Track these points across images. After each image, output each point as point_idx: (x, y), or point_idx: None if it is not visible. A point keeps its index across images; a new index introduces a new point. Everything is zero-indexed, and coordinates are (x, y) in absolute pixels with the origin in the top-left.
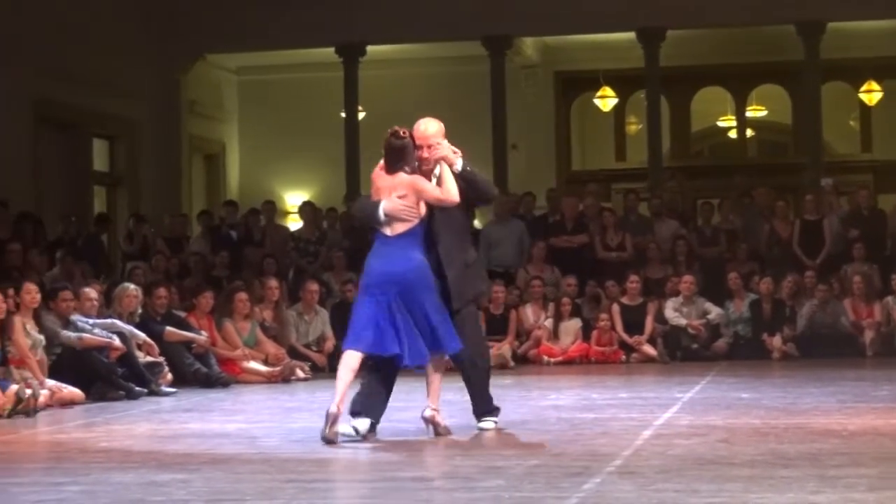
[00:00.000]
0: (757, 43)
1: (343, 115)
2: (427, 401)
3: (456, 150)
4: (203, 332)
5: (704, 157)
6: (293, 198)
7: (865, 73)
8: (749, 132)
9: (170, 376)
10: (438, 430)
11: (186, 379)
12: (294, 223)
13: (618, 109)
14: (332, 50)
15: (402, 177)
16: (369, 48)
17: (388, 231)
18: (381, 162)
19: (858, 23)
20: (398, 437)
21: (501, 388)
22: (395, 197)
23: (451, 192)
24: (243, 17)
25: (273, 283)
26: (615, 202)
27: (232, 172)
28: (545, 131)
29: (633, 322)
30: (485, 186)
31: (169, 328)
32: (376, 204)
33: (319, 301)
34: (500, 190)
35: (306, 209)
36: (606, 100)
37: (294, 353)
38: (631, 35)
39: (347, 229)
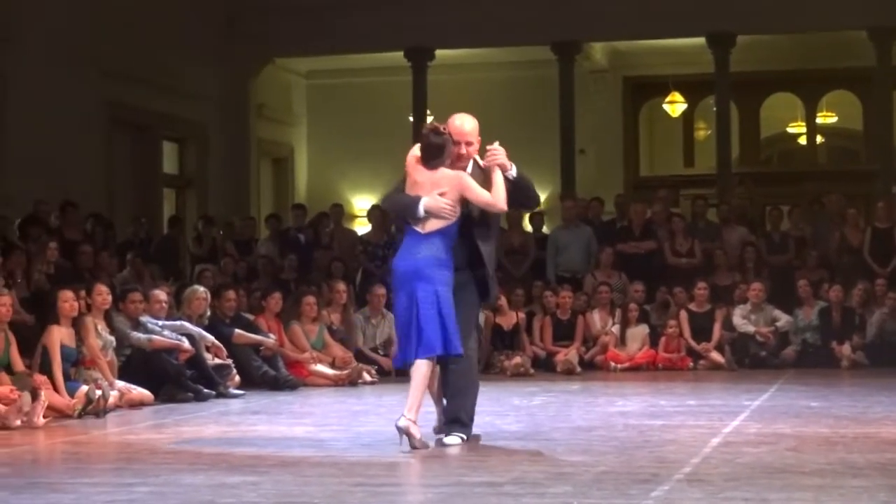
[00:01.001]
0: (827, 49)
1: (411, 119)
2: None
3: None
4: (271, 335)
5: (774, 164)
6: (361, 202)
7: None
8: (819, 138)
9: (238, 378)
10: (413, 443)
11: (254, 381)
12: (362, 227)
13: (686, 115)
14: (400, 54)
15: (445, 172)
16: (438, 52)
17: (419, 228)
18: (414, 153)
19: None
20: (466, 441)
21: (569, 394)
22: (437, 194)
23: (501, 198)
24: (312, 21)
25: (341, 286)
26: (683, 208)
27: (300, 176)
28: (613, 136)
29: (701, 329)
30: (533, 193)
31: (237, 331)
32: (416, 199)
33: (387, 305)
34: (568, 195)
35: (375, 213)
36: (675, 105)
37: (361, 357)
38: (701, 40)
39: None
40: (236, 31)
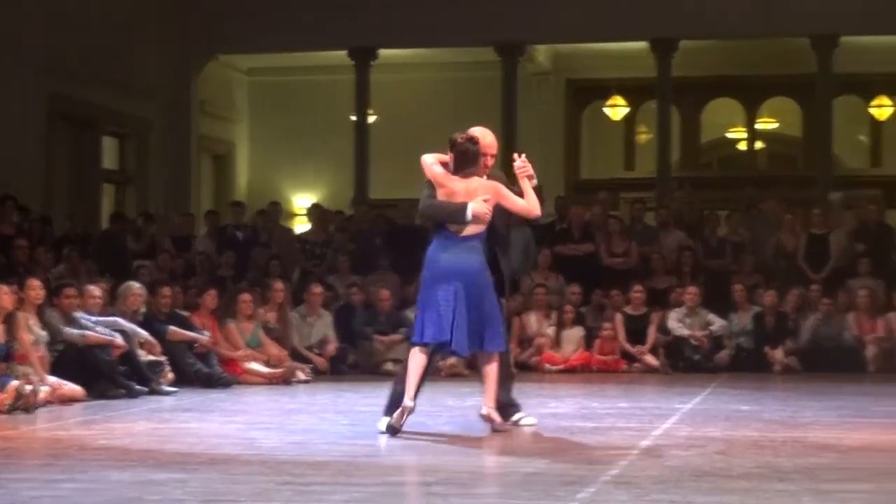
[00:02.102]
0: (769, 55)
1: (353, 118)
2: (482, 399)
3: None
4: (206, 332)
5: (713, 169)
6: (301, 200)
7: (877, 88)
8: (759, 144)
9: (171, 375)
10: (495, 427)
11: (188, 378)
12: (302, 225)
13: (628, 118)
14: (344, 53)
15: (481, 181)
16: (381, 52)
17: (455, 230)
18: (432, 159)
19: (871, 37)
20: (396, 440)
21: None
22: (482, 200)
23: (536, 205)
24: (256, 19)
25: (278, 284)
26: (623, 211)
27: (241, 173)
28: (555, 138)
29: (636, 332)
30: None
31: (172, 327)
32: (463, 205)
33: (324, 304)
34: None
35: (314, 211)
36: (617, 109)
37: (296, 356)
38: (643, 44)
39: (354, 232)
40: (180, 28)
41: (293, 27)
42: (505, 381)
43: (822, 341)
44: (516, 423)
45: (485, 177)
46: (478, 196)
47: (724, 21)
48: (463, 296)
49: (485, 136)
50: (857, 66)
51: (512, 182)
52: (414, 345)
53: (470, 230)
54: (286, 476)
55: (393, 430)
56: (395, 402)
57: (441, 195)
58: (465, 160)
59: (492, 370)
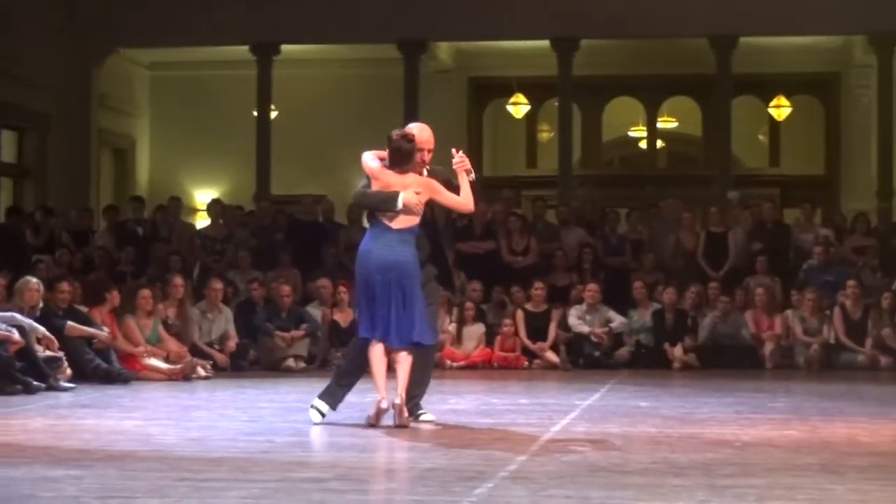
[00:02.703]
0: (670, 55)
1: (255, 113)
2: (397, 389)
3: None
4: (105, 328)
5: (614, 167)
6: (203, 195)
7: (775, 89)
8: (659, 143)
9: (69, 371)
10: (402, 420)
11: (86, 374)
12: (203, 220)
13: (530, 117)
14: (246, 48)
15: (416, 177)
16: (284, 47)
17: (389, 223)
18: (372, 155)
19: (770, 38)
20: (295, 437)
21: None
22: (414, 192)
23: (470, 200)
24: (158, 13)
25: (178, 280)
26: (525, 209)
27: (141, 168)
28: (457, 136)
29: (537, 328)
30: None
31: (70, 323)
32: (395, 193)
33: (224, 299)
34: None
35: (215, 207)
36: (519, 107)
37: (196, 352)
38: (545, 43)
39: (255, 228)
40: (79, 20)
41: (195, 22)
42: (424, 376)
43: (721, 339)
44: (417, 419)
45: (425, 172)
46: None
47: (625, 21)
48: (397, 288)
49: (421, 133)
50: (756, 67)
51: (453, 176)
52: (366, 341)
53: (403, 223)
54: (183, 472)
55: (371, 425)
56: (330, 390)
57: (376, 188)
58: (399, 157)
59: (407, 362)
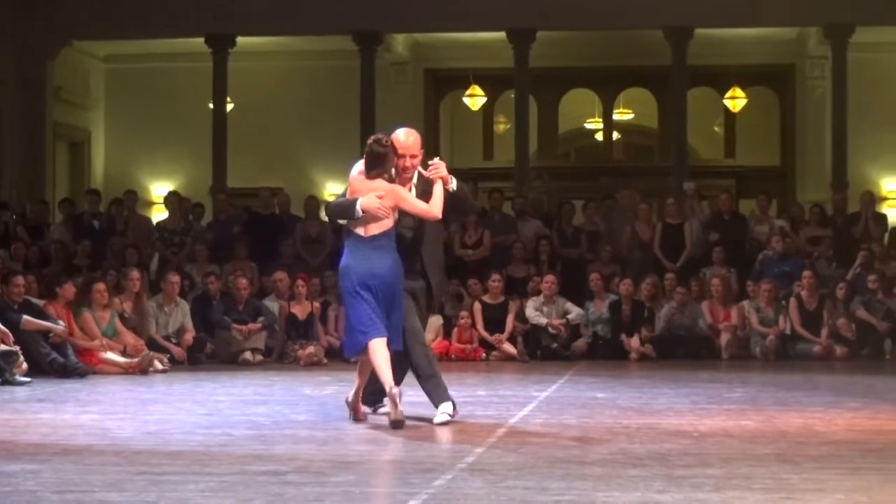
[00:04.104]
0: (625, 47)
1: (211, 106)
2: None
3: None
4: (61, 322)
5: (571, 159)
6: (159, 188)
7: (730, 80)
8: (616, 135)
9: (25, 366)
10: (356, 417)
11: (42, 368)
12: (160, 213)
13: (487, 108)
14: (201, 40)
15: (381, 183)
16: (239, 40)
17: (361, 232)
18: (360, 166)
19: (725, 30)
20: (253, 430)
21: None
22: (374, 196)
23: (437, 207)
24: (112, 5)
25: (134, 273)
26: (481, 201)
27: (97, 161)
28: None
29: (495, 320)
30: (471, 202)
31: (26, 317)
32: (354, 200)
33: (181, 293)
34: None
35: (172, 199)
36: (475, 98)
37: (153, 345)
38: (501, 35)
39: (212, 221)
40: (33, 12)
41: (150, 14)
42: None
43: (677, 329)
44: (375, 411)
45: (415, 178)
46: (382, 196)
47: (581, 13)
48: (381, 299)
49: (406, 138)
50: (712, 59)
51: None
52: (367, 341)
53: (376, 229)
54: (140, 466)
55: (398, 424)
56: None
57: (348, 194)
58: (372, 161)
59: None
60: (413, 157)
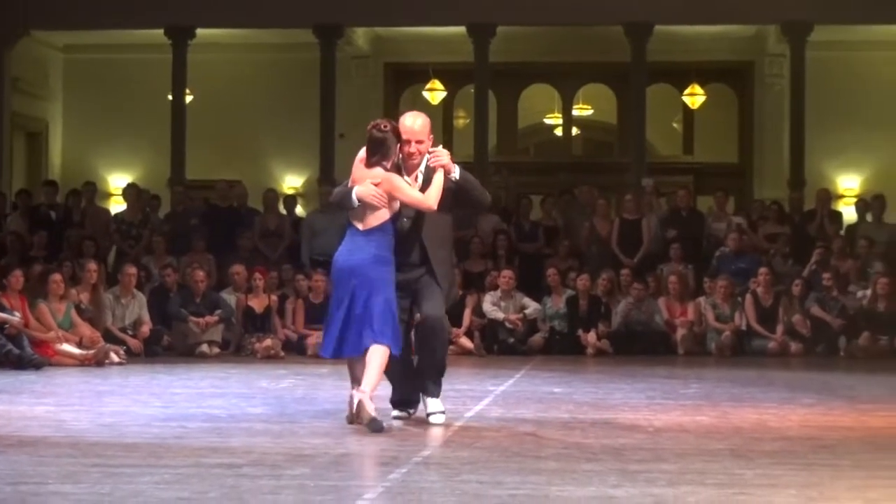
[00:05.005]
0: (585, 43)
1: (170, 98)
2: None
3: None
4: (16, 313)
5: (530, 154)
6: (117, 180)
7: (689, 77)
8: (575, 130)
9: None
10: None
11: None
12: (118, 205)
13: (446, 103)
14: (160, 31)
15: (378, 171)
16: (199, 31)
17: (359, 225)
18: (363, 153)
19: (684, 27)
20: (208, 423)
21: (318, 377)
22: (370, 183)
23: (431, 198)
24: None
25: (91, 265)
26: None
27: (55, 152)
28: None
29: (452, 314)
30: (480, 194)
31: None
32: (350, 189)
33: (138, 285)
34: (326, 179)
35: (130, 192)
36: (435, 93)
37: (110, 337)
38: (461, 29)
39: (170, 213)
40: None
41: (110, 4)
42: (403, 377)
43: (634, 325)
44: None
45: (423, 164)
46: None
47: (542, 8)
48: (356, 295)
49: (413, 122)
50: (671, 55)
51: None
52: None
53: (372, 221)
54: (95, 458)
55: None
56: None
57: (350, 183)
58: (372, 148)
59: (371, 358)
60: (419, 142)
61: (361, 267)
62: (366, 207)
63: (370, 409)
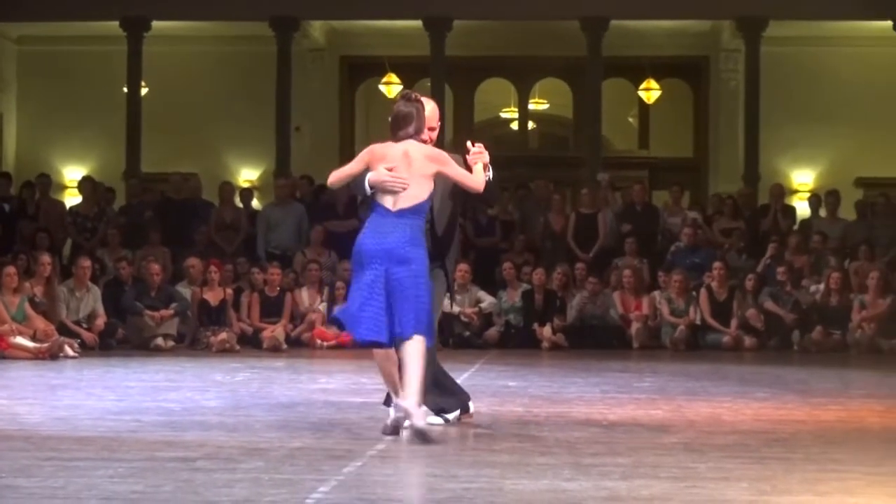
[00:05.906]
0: (541, 37)
1: (125, 90)
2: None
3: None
4: None
5: (486, 148)
6: (72, 172)
7: (645, 72)
8: (531, 125)
9: None
10: (416, 427)
11: None
12: (73, 198)
13: None
14: (116, 24)
15: (418, 144)
16: (155, 23)
17: (389, 204)
18: (373, 147)
19: (640, 22)
20: (163, 416)
21: (273, 371)
22: (384, 168)
23: (480, 181)
24: None
25: (45, 258)
26: None
27: (9, 144)
28: (330, 115)
29: None
30: (497, 193)
31: None
32: (363, 176)
33: (93, 278)
34: (281, 172)
35: (86, 185)
36: (391, 86)
37: (64, 330)
38: (418, 23)
39: (125, 206)
40: None
41: None
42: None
43: (589, 319)
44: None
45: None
46: (414, 160)
47: (498, 2)
48: (383, 280)
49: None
50: (626, 50)
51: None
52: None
53: (405, 202)
54: (49, 451)
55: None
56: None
57: (376, 167)
58: (396, 123)
59: (411, 356)
60: (431, 129)
61: (397, 250)
62: (378, 190)
63: (422, 420)
